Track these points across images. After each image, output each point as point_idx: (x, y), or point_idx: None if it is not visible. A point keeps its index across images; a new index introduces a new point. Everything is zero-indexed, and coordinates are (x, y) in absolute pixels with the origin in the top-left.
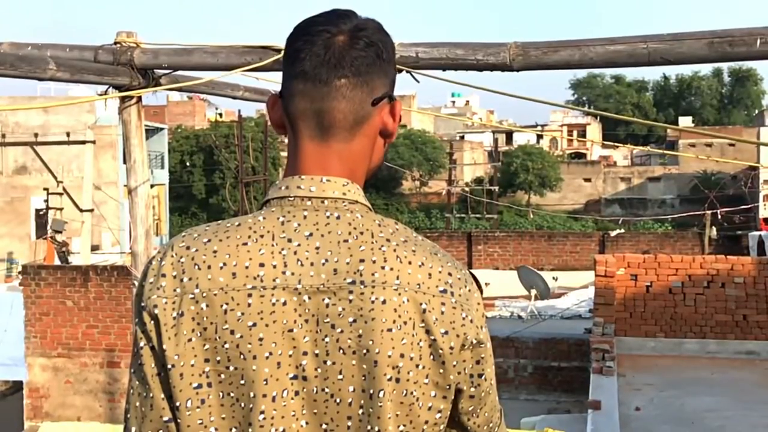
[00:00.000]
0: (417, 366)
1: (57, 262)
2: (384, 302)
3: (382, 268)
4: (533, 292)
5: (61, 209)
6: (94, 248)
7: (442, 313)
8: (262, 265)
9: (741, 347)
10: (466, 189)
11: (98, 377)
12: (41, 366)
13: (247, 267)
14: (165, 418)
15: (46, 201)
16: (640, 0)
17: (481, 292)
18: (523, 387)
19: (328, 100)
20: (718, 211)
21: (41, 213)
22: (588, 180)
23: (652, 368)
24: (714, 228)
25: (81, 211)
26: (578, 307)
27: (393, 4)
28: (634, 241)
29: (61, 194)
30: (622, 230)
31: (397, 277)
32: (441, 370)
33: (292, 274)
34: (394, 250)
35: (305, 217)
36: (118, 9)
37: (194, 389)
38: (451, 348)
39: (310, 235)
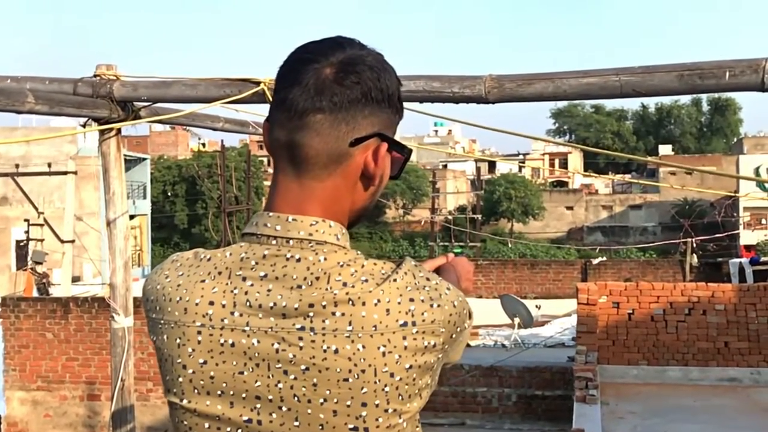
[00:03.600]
0: (386, 411)
1: (36, 293)
2: (336, 351)
3: (333, 314)
4: (516, 320)
5: (41, 240)
6: (75, 279)
7: (405, 347)
8: (211, 303)
9: (723, 374)
10: (450, 217)
11: (78, 410)
12: (20, 399)
13: (197, 304)
14: None
15: (27, 232)
16: (613, 36)
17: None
18: (507, 416)
19: (301, 135)
20: (692, 240)
21: (22, 244)
22: (570, 208)
23: (635, 396)
24: (695, 255)
25: (62, 242)
26: (561, 335)
27: (368, 36)
28: (616, 269)
29: (41, 225)
30: (604, 258)
31: (350, 323)
32: (416, 402)
33: (240, 315)
34: (347, 293)
35: (264, 256)
36: (100, 41)
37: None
38: (417, 376)
39: (265, 276)
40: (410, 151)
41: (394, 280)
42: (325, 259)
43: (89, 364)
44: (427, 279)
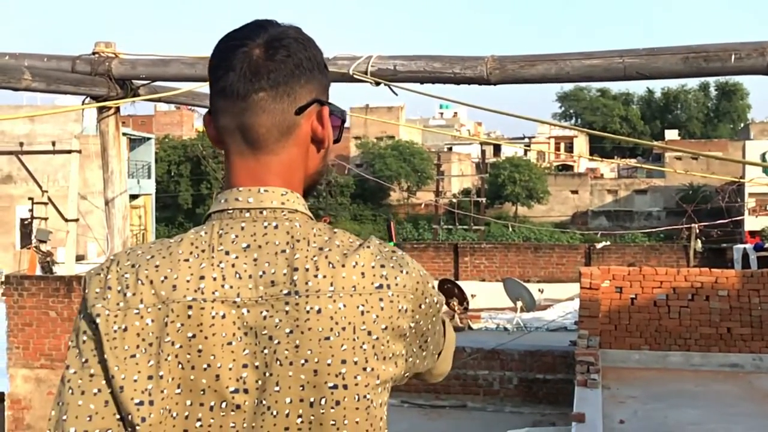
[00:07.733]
0: (364, 369)
1: (39, 272)
2: (319, 311)
3: (315, 276)
4: (519, 304)
5: (46, 219)
6: (80, 258)
7: (382, 309)
8: (202, 278)
9: (725, 360)
10: (454, 200)
11: None
12: (23, 377)
13: (188, 280)
14: (117, 416)
15: (31, 210)
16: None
17: (467, 303)
18: (509, 399)
19: (248, 115)
20: (696, 225)
21: (26, 222)
22: (575, 192)
23: (637, 381)
24: (699, 241)
25: (66, 220)
26: (564, 319)
27: (370, 15)
28: (620, 254)
29: (46, 204)
30: (608, 242)
31: (331, 284)
32: (390, 367)
33: (231, 287)
34: (326, 257)
35: (243, 228)
36: (101, 19)
37: (135, 405)
38: (391, 339)
39: (248, 246)
40: (344, 112)
41: (367, 247)
42: (300, 225)
43: None
44: (393, 251)
